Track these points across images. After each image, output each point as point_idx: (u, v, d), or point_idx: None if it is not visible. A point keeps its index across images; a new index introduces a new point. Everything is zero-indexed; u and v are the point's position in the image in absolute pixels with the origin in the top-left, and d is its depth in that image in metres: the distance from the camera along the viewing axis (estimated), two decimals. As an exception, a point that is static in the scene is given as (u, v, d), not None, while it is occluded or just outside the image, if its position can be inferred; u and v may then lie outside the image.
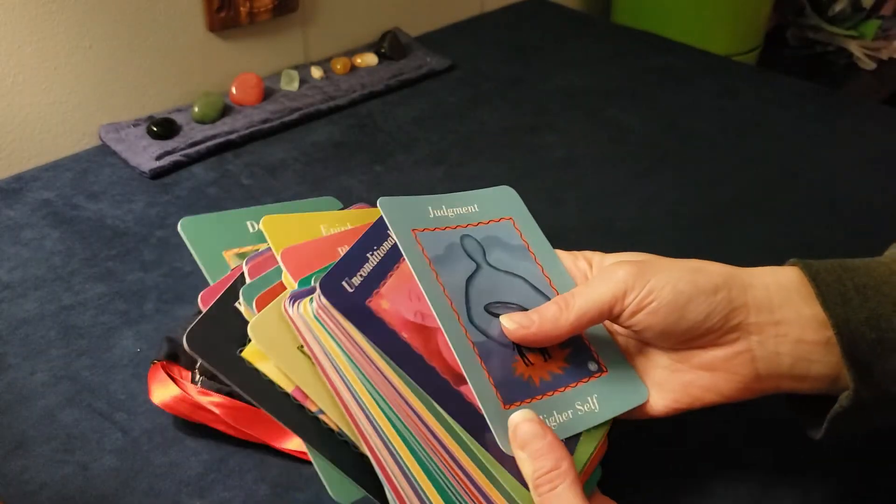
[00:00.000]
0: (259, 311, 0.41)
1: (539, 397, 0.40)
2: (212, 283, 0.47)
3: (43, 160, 0.76)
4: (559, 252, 0.47)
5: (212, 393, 0.49)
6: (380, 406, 0.38)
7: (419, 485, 0.37)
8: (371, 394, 0.38)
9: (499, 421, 0.38)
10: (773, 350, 0.39)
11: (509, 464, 0.37)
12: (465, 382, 0.38)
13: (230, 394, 0.49)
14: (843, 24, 1.56)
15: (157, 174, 0.73)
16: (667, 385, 0.41)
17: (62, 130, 0.77)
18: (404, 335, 0.39)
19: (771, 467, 0.48)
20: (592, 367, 0.42)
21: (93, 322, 0.57)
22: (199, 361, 0.50)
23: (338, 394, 0.39)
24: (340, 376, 0.38)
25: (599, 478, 0.42)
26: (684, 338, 0.40)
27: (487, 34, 1.06)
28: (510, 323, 0.41)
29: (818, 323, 0.39)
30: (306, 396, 0.40)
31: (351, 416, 0.38)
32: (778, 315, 0.39)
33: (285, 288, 0.42)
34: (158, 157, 0.74)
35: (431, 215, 0.45)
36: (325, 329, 0.39)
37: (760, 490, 0.46)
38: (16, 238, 0.65)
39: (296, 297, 0.40)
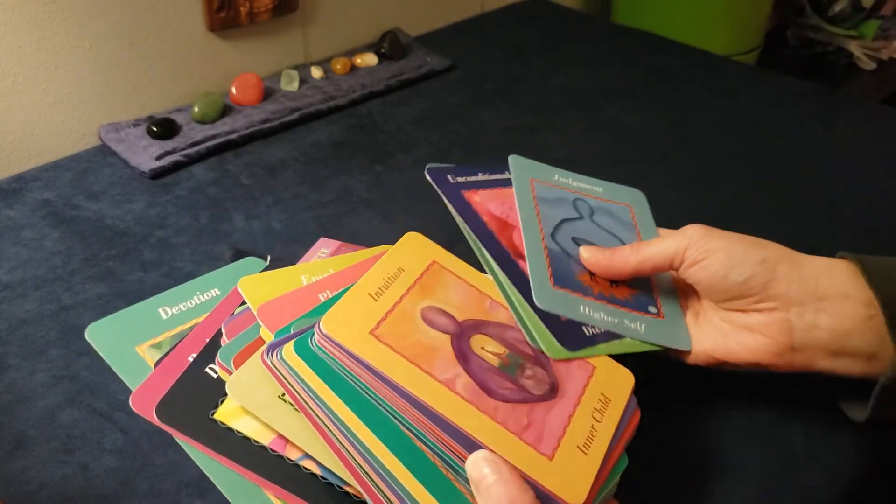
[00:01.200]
0: (237, 368, 0.42)
1: (591, 298, 0.46)
2: (131, 386, 0.46)
3: (43, 160, 0.76)
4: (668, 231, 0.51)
5: (212, 393, 0.49)
6: (381, 435, 0.37)
7: None
8: (372, 421, 0.37)
9: (542, 288, 0.43)
10: (812, 322, 0.43)
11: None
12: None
13: (230, 394, 0.50)
14: (843, 24, 1.56)
15: (157, 174, 0.73)
16: (710, 336, 0.46)
17: (62, 130, 0.77)
18: (485, 219, 0.44)
19: (774, 470, 0.48)
20: (651, 309, 0.47)
21: (93, 322, 0.57)
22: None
23: (324, 433, 0.38)
24: (328, 414, 0.38)
25: (625, 466, 0.41)
26: (725, 296, 0.45)
27: (487, 34, 1.06)
28: (587, 252, 0.48)
29: (862, 302, 0.42)
30: (285, 445, 0.40)
31: (340, 453, 0.38)
32: (822, 291, 0.43)
33: (264, 342, 0.43)
34: (158, 157, 0.74)
35: (556, 178, 0.52)
36: (327, 358, 0.39)
37: (760, 491, 0.46)
38: (16, 238, 0.65)
39: (273, 347, 0.40)
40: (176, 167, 0.74)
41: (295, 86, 0.86)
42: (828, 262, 0.44)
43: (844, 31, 1.56)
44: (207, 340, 0.47)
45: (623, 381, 0.43)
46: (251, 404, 0.40)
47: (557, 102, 0.88)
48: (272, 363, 0.40)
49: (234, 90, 0.83)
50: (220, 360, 0.44)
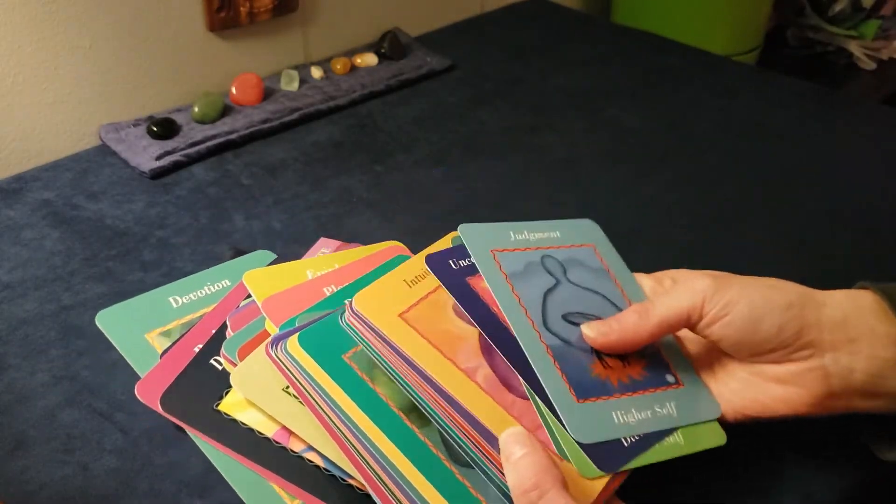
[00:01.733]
0: (241, 360, 0.43)
1: (616, 396, 0.42)
2: (139, 373, 0.47)
3: (43, 160, 0.76)
4: (642, 276, 0.48)
5: (212, 393, 0.49)
6: (384, 427, 0.37)
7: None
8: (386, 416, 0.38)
9: (571, 412, 0.39)
10: (847, 366, 0.40)
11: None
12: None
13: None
14: (843, 24, 1.56)
15: (157, 174, 0.73)
16: (739, 393, 0.43)
17: (62, 130, 0.77)
18: (496, 310, 0.42)
19: (774, 469, 0.48)
20: (669, 378, 0.44)
21: (93, 322, 0.57)
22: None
23: (327, 426, 0.38)
24: (331, 407, 0.38)
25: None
26: (758, 350, 0.41)
27: (487, 34, 1.06)
28: (590, 330, 0.43)
29: (891, 339, 0.40)
30: (289, 437, 0.40)
31: (343, 446, 0.38)
32: (852, 332, 0.41)
33: (268, 335, 0.43)
34: (158, 157, 0.74)
35: (512, 238, 0.48)
36: (357, 336, 0.40)
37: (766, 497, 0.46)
38: (16, 238, 0.65)
39: (278, 340, 0.41)
40: (176, 167, 0.74)
41: (295, 86, 0.86)
42: (850, 296, 0.42)
43: (844, 31, 1.56)
44: (213, 332, 0.48)
45: None
46: (255, 396, 0.41)
47: (557, 102, 0.88)
48: (276, 356, 0.40)
49: (234, 90, 0.83)
50: (224, 352, 0.44)
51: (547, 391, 0.39)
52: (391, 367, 0.39)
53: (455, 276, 0.43)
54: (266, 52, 0.89)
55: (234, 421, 0.42)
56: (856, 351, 0.40)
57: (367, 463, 0.37)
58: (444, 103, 0.88)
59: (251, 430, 0.41)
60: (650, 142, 0.81)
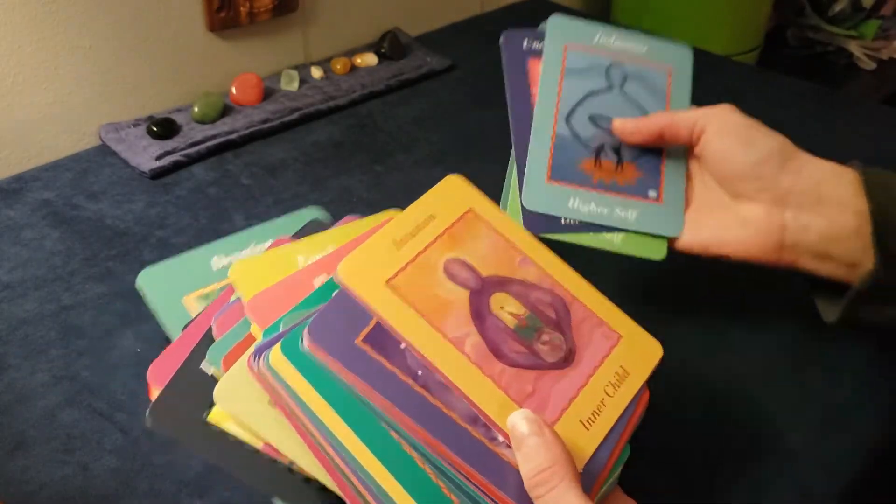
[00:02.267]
0: (227, 369, 0.39)
1: (587, 188, 0.46)
2: (171, 338, 0.44)
3: (43, 160, 0.76)
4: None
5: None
6: (371, 444, 0.35)
7: None
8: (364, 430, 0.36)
9: (533, 184, 0.44)
10: (805, 224, 0.44)
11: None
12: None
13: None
14: (843, 24, 1.56)
15: (157, 174, 0.73)
16: (709, 227, 0.48)
17: (62, 130, 0.77)
18: (533, 90, 0.45)
19: (775, 468, 0.48)
20: (652, 193, 0.48)
21: (93, 322, 0.57)
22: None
23: (311, 444, 0.37)
24: (315, 425, 0.36)
25: (628, 457, 0.40)
26: (735, 173, 0.46)
27: (487, 34, 1.06)
28: (618, 121, 0.49)
29: (855, 211, 0.43)
30: (278, 451, 0.38)
31: (329, 466, 0.36)
32: (822, 194, 0.44)
33: (254, 340, 0.40)
34: (158, 157, 0.74)
35: (595, 40, 0.51)
36: (314, 368, 0.36)
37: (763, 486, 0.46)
38: (16, 238, 0.65)
39: (260, 351, 0.38)
40: (176, 167, 0.74)
41: (295, 86, 0.86)
42: (834, 168, 0.46)
43: (844, 31, 1.56)
44: (203, 333, 0.43)
45: (649, 353, 0.41)
46: (239, 412, 0.38)
47: (557, 102, 0.88)
48: (258, 370, 0.37)
49: (234, 90, 0.83)
50: (210, 361, 0.41)
51: (526, 163, 0.44)
52: (361, 397, 0.36)
53: (520, 53, 0.47)
54: (266, 52, 0.89)
55: (225, 433, 0.39)
56: (819, 212, 0.44)
57: (352, 483, 0.36)
58: (444, 103, 0.88)
59: (241, 442, 0.39)
60: (650, 142, 0.81)
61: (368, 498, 0.36)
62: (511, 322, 0.39)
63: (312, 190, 0.72)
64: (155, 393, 0.42)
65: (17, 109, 0.73)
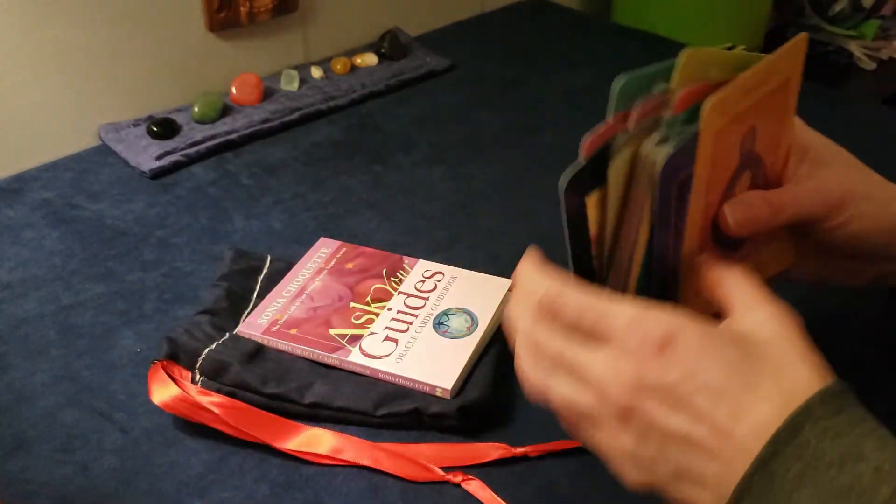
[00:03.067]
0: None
1: None
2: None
3: (43, 160, 0.76)
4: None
5: (212, 393, 0.49)
6: None
7: None
8: None
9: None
10: None
11: None
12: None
13: (230, 394, 0.49)
14: (843, 24, 1.56)
15: (157, 174, 0.73)
16: (809, 257, 0.44)
17: (62, 130, 0.77)
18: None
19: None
20: None
21: (93, 322, 0.57)
22: (200, 361, 0.50)
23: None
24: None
25: None
26: (860, 252, 0.42)
27: (487, 34, 1.06)
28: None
29: None
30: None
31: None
32: None
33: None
34: (158, 157, 0.74)
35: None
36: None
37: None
38: (16, 238, 0.65)
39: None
40: (176, 167, 0.74)
41: (295, 86, 0.86)
42: None
43: (844, 31, 1.56)
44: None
45: None
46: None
47: (557, 102, 0.88)
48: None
49: (234, 90, 0.83)
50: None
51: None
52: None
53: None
54: (266, 52, 0.89)
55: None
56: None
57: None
58: (444, 103, 0.88)
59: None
60: (650, 142, 0.81)
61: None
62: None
63: (312, 190, 0.72)
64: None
65: (17, 109, 0.73)
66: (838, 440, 0.29)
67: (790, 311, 0.34)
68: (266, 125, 0.80)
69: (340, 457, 0.47)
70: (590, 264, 0.39)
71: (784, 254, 0.43)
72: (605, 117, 0.42)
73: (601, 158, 0.39)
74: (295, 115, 0.82)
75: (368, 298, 0.56)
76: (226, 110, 0.81)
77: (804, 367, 0.32)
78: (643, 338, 0.32)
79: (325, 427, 0.49)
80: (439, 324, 0.54)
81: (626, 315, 0.33)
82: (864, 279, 0.45)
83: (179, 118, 0.80)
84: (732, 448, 0.30)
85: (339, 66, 0.90)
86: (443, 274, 0.58)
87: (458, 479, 0.46)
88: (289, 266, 0.60)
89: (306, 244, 0.62)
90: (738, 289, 0.35)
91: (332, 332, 0.53)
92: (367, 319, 0.55)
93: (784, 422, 0.30)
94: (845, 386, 0.32)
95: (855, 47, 1.56)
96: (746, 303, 0.34)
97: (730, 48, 0.39)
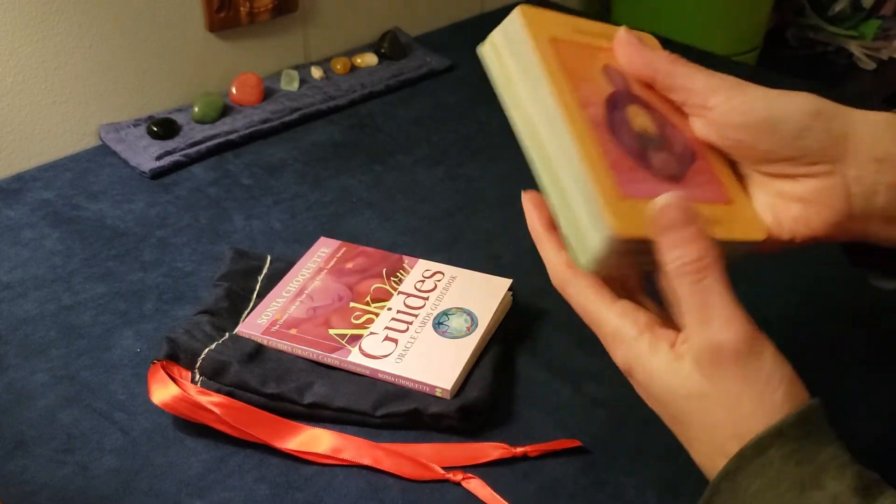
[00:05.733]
0: None
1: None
2: None
3: (43, 160, 0.76)
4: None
5: (212, 393, 0.49)
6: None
7: None
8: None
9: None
10: (871, 186, 0.38)
11: None
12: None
13: (230, 394, 0.49)
14: (843, 24, 1.56)
15: (157, 174, 0.73)
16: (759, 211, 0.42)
17: (62, 130, 0.77)
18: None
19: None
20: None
21: (93, 322, 0.57)
22: (200, 361, 0.50)
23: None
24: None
25: None
26: (774, 155, 0.39)
27: (487, 34, 1.06)
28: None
29: None
30: None
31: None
32: (880, 152, 0.38)
33: None
34: (158, 157, 0.74)
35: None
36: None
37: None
38: (16, 238, 0.65)
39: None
40: (176, 167, 0.74)
41: (295, 86, 0.86)
42: (885, 118, 0.40)
43: (844, 31, 1.56)
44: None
45: (751, 227, 0.40)
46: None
47: (557, 102, 0.88)
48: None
49: (234, 90, 0.83)
50: None
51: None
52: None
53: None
54: (266, 52, 0.89)
55: None
56: (882, 171, 0.38)
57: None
58: (444, 103, 0.88)
59: None
60: (650, 142, 0.81)
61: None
62: (637, 127, 0.39)
63: (312, 190, 0.72)
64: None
65: (17, 109, 0.73)
66: (800, 467, 0.31)
67: (752, 324, 0.35)
68: (266, 125, 0.80)
69: (340, 456, 0.47)
70: None
71: (754, 224, 0.41)
72: None
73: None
74: (295, 115, 0.82)
75: (368, 298, 0.56)
76: (226, 110, 0.81)
77: (779, 388, 0.34)
78: (614, 357, 0.37)
79: (324, 427, 0.49)
80: (439, 324, 0.54)
81: (609, 327, 0.37)
82: (835, 223, 0.40)
83: (179, 118, 0.80)
84: (711, 447, 0.35)
85: (339, 67, 0.90)
86: (443, 274, 0.58)
87: (458, 477, 0.46)
88: (289, 266, 0.60)
89: (306, 244, 0.62)
90: (711, 296, 0.34)
91: (331, 331, 0.53)
92: (367, 319, 0.55)
93: (752, 439, 0.32)
94: (816, 404, 0.33)
95: (855, 47, 1.56)
96: (715, 314, 0.34)
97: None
